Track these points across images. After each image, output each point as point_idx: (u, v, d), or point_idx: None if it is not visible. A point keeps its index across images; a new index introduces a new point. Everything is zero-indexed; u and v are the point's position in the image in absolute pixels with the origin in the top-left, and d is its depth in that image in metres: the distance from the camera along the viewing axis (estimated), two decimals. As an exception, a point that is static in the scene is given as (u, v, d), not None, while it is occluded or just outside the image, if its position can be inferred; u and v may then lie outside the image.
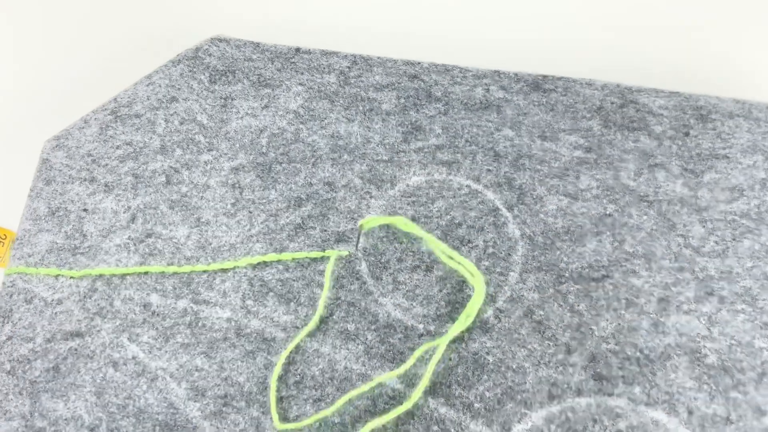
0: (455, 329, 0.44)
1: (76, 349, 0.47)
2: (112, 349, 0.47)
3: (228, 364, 0.46)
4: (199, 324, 0.47)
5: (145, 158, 0.51)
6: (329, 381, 0.45)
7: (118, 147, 0.52)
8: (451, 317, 0.46)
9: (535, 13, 0.62)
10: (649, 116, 0.51)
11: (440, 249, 0.47)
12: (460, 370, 0.45)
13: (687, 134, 0.50)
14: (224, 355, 0.46)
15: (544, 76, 0.52)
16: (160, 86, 0.53)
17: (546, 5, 0.62)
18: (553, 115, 0.51)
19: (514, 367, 0.44)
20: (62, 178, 0.51)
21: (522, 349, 0.45)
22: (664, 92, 0.51)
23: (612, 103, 0.51)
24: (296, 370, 0.46)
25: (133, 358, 0.46)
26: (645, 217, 0.47)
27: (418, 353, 0.44)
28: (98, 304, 0.48)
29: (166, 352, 0.46)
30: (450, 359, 0.45)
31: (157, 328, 0.47)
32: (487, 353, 0.45)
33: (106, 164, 0.51)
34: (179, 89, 0.53)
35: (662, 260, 0.46)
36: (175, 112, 0.52)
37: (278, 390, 0.45)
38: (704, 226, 0.47)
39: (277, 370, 0.45)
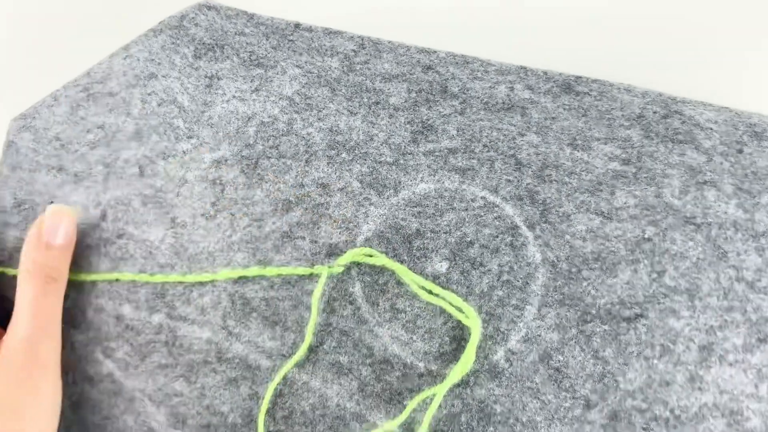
0: (453, 376, 0.38)
1: None
2: (87, 363, 0.43)
3: (209, 391, 0.42)
4: (177, 343, 0.42)
5: (118, 144, 0.45)
6: (321, 418, 0.40)
7: (88, 131, 0.46)
8: (456, 357, 0.40)
9: (569, 6, 0.53)
10: (696, 129, 0.43)
11: (416, 283, 0.40)
12: (464, 418, 0.39)
13: (740, 151, 0.42)
14: (205, 381, 0.42)
15: (577, 77, 0.45)
16: (138, 60, 0.46)
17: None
18: (585, 121, 0.43)
19: (524, 420, 0.38)
20: (29, 165, 0.45)
21: (534, 400, 0.39)
22: (712, 106, 0.44)
23: (654, 112, 0.43)
24: (284, 403, 0.41)
25: (109, 374, 0.43)
26: (691, 243, 0.40)
27: (413, 403, 0.39)
28: (70, 313, 0.43)
29: (143, 371, 0.42)
30: (453, 405, 0.39)
31: (131, 344, 0.43)
32: (495, 402, 0.39)
33: (76, 150, 0.45)
34: (159, 64, 0.46)
35: (709, 297, 0.39)
36: (153, 91, 0.46)
37: (266, 424, 0.41)
38: (761, 256, 0.40)
39: (265, 405, 0.40)
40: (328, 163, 0.44)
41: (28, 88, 0.49)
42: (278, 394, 0.41)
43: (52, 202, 0.45)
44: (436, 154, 0.43)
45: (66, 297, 0.43)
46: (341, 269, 0.42)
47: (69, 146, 0.45)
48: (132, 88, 0.46)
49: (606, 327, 0.39)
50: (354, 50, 0.46)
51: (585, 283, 0.40)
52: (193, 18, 0.47)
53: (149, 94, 0.46)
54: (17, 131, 0.46)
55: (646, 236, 0.41)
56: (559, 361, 0.39)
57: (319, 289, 0.41)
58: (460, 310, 0.40)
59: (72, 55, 0.51)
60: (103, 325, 0.43)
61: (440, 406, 0.40)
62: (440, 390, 0.38)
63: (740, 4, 0.52)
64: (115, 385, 0.43)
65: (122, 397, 0.43)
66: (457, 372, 0.39)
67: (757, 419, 0.37)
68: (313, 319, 0.41)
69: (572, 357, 0.39)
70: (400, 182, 0.43)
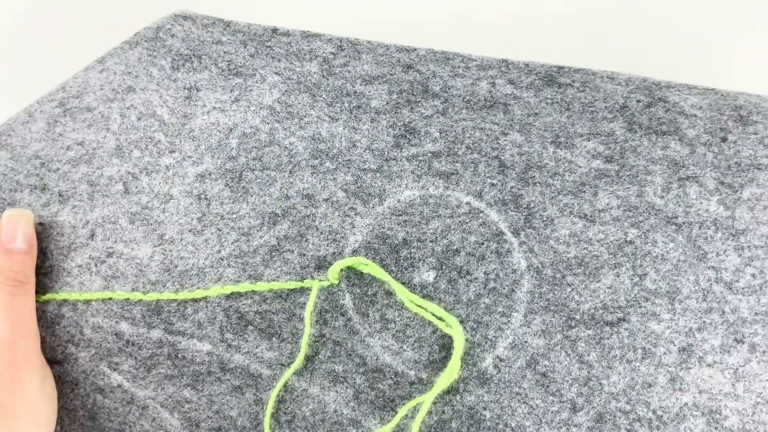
0: (440, 384, 0.40)
1: (58, 376, 0.44)
2: (95, 376, 0.44)
3: (217, 398, 0.43)
4: (179, 356, 0.43)
5: (100, 162, 0.45)
6: (320, 423, 0.42)
7: (68, 148, 0.45)
8: (444, 364, 0.41)
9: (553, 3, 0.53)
10: (680, 117, 0.43)
11: (407, 297, 0.41)
12: (454, 425, 0.41)
13: (725, 139, 0.43)
14: (211, 389, 0.43)
15: (560, 68, 0.44)
16: (114, 73, 0.46)
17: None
18: (568, 115, 0.44)
19: (513, 425, 0.40)
20: (9, 185, 0.45)
21: (523, 405, 0.40)
22: (697, 89, 0.44)
23: (638, 101, 0.43)
24: (287, 408, 0.43)
25: (119, 386, 0.44)
26: (671, 245, 0.41)
27: (403, 411, 0.40)
28: (68, 332, 0.44)
29: (151, 382, 0.44)
30: (443, 412, 0.40)
31: (135, 358, 0.44)
32: (484, 408, 0.40)
33: (58, 169, 0.45)
34: (137, 77, 0.45)
35: (688, 300, 0.40)
36: (132, 105, 0.45)
37: (272, 427, 0.43)
38: (740, 255, 0.41)
39: (269, 410, 0.42)
40: (312, 173, 0.44)
41: None
42: (281, 400, 0.43)
43: (41, 224, 0.45)
44: (420, 158, 0.44)
45: (61, 317, 0.44)
46: (331, 282, 0.42)
47: (50, 164, 0.45)
48: (110, 102, 0.45)
49: (590, 332, 0.40)
50: (333, 53, 0.46)
51: (569, 289, 0.41)
52: (169, 29, 0.46)
53: (128, 108, 0.45)
54: None
55: (628, 239, 0.41)
56: (545, 366, 0.40)
57: (310, 303, 0.42)
58: (442, 320, 0.41)
59: (42, 68, 0.50)
60: (104, 342, 0.44)
61: (431, 412, 0.41)
62: (428, 398, 0.39)
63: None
64: (126, 395, 0.44)
65: (135, 405, 0.44)
66: (443, 380, 0.40)
67: (734, 417, 0.39)
68: (307, 332, 0.42)
69: (558, 362, 0.40)
70: (384, 190, 0.43)
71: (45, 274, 0.44)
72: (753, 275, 0.40)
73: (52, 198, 0.45)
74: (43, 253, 0.44)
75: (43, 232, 0.45)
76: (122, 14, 0.53)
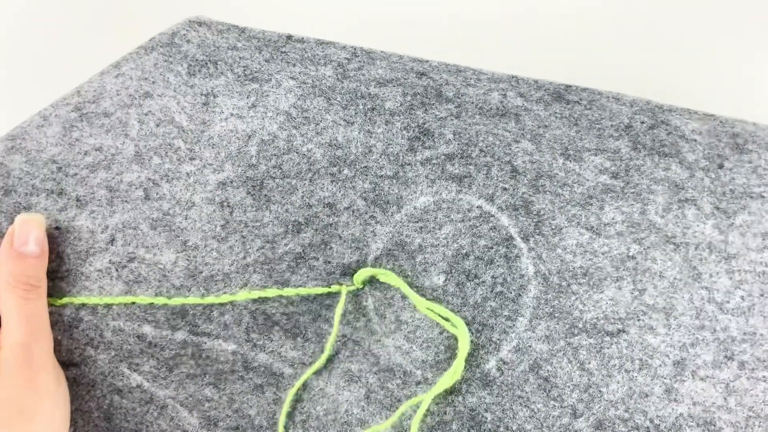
0: (441, 384, 0.42)
1: (74, 378, 0.45)
2: (113, 377, 0.45)
3: (238, 396, 0.45)
4: (203, 356, 0.45)
5: (119, 168, 0.45)
6: (332, 423, 0.44)
7: (86, 153, 0.46)
8: (449, 365, 0.44)
9: (556, 16, 0.52)
10: (681, 141, 0.45)
11: (417, 300, 0.44)
12: (455, 426, 0.43)
13: (721, 166, 0.45)
14: (233, 387, 0.45)
15: (567, 86, 0.46)
16: (131, 78, 0.46)
17: (572, 10, 0.52)
18: (577, 130, 0.45)
19: (514, 428, 0.43)
20: (24, 189, 0.45)
21: (524, 409, 0.43)
22: (697, 114, 0.45)
23: (642, 122, 0.45)
24: (303, 408, 0.45)
25: (138, 386, 0.45)
26: (669, 264, 0.44)
27: (403, 408, 0.43)
28: (87, 335, 0.45)
29: (172, 381, 0.45)
30: (445, 413, 0.43)
31: (157, 359, 0.45)
32: (486, 410, 0.43)
33: (75, 174, 0.45)
34: (154, 83, 0.45)
35: (683, 316, 0.43)
36: (150, 111, 0.45)
37: (286, 427, 0.45)
38: (731, 278, 0.44)
39: (285, 409, 0.44)
40: (331, 182, 0.45)
41: (9, 107, 0.48)
42: (298, 400, 0.45)
43: (57, 228, 0.46)
44: (434, 161, 0.45)
45: (80, 320, 0.45)
46: (356, 287, 0.45)
47: (67, 169, 0.45)
48: (127, 108, 0.46)
49: (591, 340, 0.43)
50: (347, 58, 0.46)
51: (573, 298, 0.44)
52: (184, 35, 0.46)
53: (146, 114, 0.45)
54: (5, 153, 0.46)
55: (630, 254, 0.44)
56: (548, 371, 0.43)
57: (340, 306, 0.44)
58: (448, 320, 0.44)
59: (53, 72, 0.50)
60: (125, 344, 0.45)
61: (432, 413, 0.43)
62: (428, 396, 0.42)
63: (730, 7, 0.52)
64: (145, 395, 0.45)
65: (154, 404, 0.45)
66: (446, 379, 0.42)
67: (728, 429, 0.42)
68: (335, 333, 0.44)
69: (560, 368, 0.43)
70: (401, 197, 0.45)
71: (62, 278, 0.45)
72: (742, 297, 0.43)
73: (69, 203, 0.45)
74: (59, 257, 0.45)
75: (59, 237, 0.45)
76: (134, 19, 0.52)
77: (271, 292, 0.45)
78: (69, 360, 0.45)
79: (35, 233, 0.43)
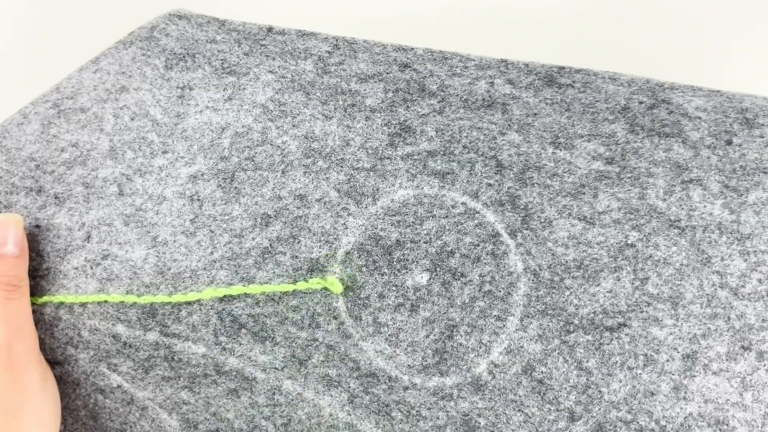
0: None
1: (60, 377, 0.44)
2: (95, 377, 0.44)
3: (213, 400, 0.43)
4: (175, 358, 0.43)
5: (94, 163, 0.44)
6: (316, 426, 0.42)
7: (63, 150, 0.45)
8: (439, 369, 0.40)
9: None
10: (684, 119, 0.41)
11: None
12: (449, 431, 0.39)
13: (729, 142, 0.41)
14: (208, 391, 0.43)
15: (560, 68, 0.43)
16: (108, 73, 0.45)
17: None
18: (568, 116, 0.42)
19: None
20: (4, 187, 0.45)
21: (518, 413, 0.39)
22: (702, 90, 0.42)
23: (640, 102, 0.42)
24: (282, 411, 0.42)
25: (119, 386, 0.44)
26: (674, 249, 0.40)
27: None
28: (66, 334, 0.44)
29: (149, 383, 0.44)
30: (438, 418, 0.39)
31: (133, 360, 0.43)
32: (479, 415, 0.39)
33: (53, 171, 0.45)
34: (130, 77, 0.45)
35: (692, 305, 0.39)
36: (125, 105, 0.45)
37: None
38: (746, 260, 0.39)
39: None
40: (304, 173, 0.43)
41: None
42: (276, 404, 0.42)
43: (37, 226, 0.45)
44: (415, 157, 0.43)
45: (59, 319, 0.44)
46: (324, 286, 0.42)
47: (45, 166, 0.45)
48: (103, 102, 0.45)
49: (589, 337, 0.39)
50: (328, 51, 0.45)
51: (567, 293, 0.40)
52: (163, 28, 0.46)
53: (121, 109, 0.45)
54: None
55: (629, 242, 0.40)
56: (542, 372, 0.39)
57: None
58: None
59: (35, 69, 0.50)
60: (102, 344, 0.44)
61: (425, 417, 0.40)
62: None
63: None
64: (126, 395, 0.44)
65: (135, 405, 0.44)
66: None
67: (743, 429, 0.37)
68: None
69: (555, 368, 0.39)
70: (378, 189, 0.42)
71: (42, 276, 0.44)
72: (759, 280, 0.39)
73: (48, 200, 0.45)
74: (39, 256, 0.44)
75: (39, 235, 0.44)
76: (117, 14, 0.53)
77: (236, 290, 0.42)
78: (53, 358, 0.44)
79: (13, 233, 0.43)
